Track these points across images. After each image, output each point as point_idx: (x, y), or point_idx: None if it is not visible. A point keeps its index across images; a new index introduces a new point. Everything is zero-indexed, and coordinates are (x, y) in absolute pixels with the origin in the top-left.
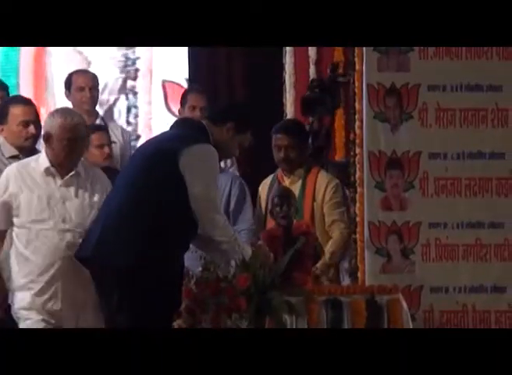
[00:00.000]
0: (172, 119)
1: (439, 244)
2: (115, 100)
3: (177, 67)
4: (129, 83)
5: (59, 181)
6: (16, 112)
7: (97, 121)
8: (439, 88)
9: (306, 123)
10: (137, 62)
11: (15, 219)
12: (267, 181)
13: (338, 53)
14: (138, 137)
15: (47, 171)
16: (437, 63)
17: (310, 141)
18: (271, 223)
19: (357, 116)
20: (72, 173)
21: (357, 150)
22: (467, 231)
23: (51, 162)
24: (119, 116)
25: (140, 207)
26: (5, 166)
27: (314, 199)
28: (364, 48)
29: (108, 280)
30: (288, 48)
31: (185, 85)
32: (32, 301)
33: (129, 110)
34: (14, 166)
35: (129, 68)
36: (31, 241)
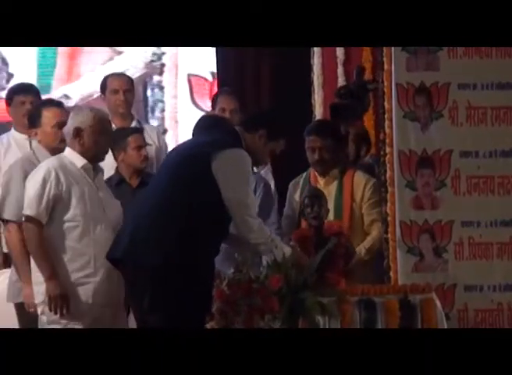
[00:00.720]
0: (198, 113)
1: (472, 243)
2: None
3: (202, 61)
4: (155, 78)
5: (92, 176)
6: (49, 115)
7: (133, 124)
8: (470, 87)
9: None
10: (163, 57)
11: (65, 213)
12: (298, 181)
13: (366, 53)
14: (165, 131)
15: (85, 167)
16: (467, 62)
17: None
18: (304, 224)
19: (386, 116)
20: (102, 170)
21: (388, 149)
22: (501, 229)
23: (85, 157)
24: (145, 111)
25: (173, 208)
26: None
27: (353, 199)
28: (392, 48)
29: (140, 281)
30: (316, 49)
31: (210, 79)
32: (94, 294)
33: (155, 104)
34: (54, 160)
35: (154, 63)
36: (85, 235)
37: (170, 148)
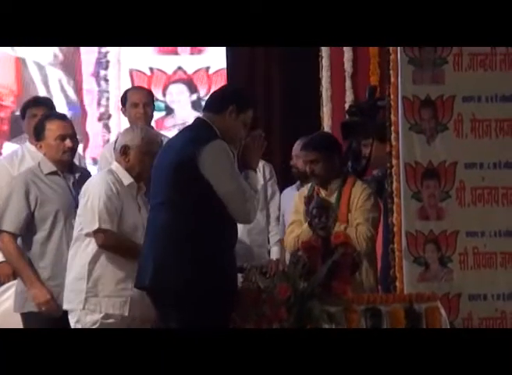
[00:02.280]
0: None
1: (476, 253)
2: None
3: (142, 58)
4: (102, 72)
5: (135, 194)
6: (52, 127)
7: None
8: (474, 99)
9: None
10: (108, 54)
11: (119, 227)
12: (304, 192)
13: (373, 67)
14: (109, 116)
15: (130, 185)
16: (471, 75)
17: (350, 163)
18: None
19: (392, 128)
20: (144, 189)
21: (394, 161)
22: (505, 240)
23: (130, 175)
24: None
25: (181, 224)
26: (45, 183)
27: (349, 210)
28: (399, 61)
29: (166, 304)
30: (324, 64)
31: (149, 73)
32: (121, 307)
33: (102, 94)
34: (110, 175)
35: (101, 60)
36: None
37: (114, 131)
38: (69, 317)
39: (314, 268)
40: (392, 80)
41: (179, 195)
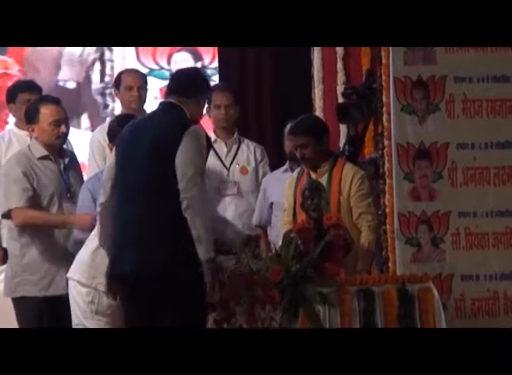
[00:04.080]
0: (143, 70)
1: (468, 233)
2: (95, 57)
3: None
4: None
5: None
6: (46, 112)
7: None
8: (466, 80)
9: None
10: None
11: None
12: (293, 178)
13: (365, 48)
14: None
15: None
16: (463, 55)
17: (347, 146)
18: (301, 217)
19: (384, 109)
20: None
21: (386, 142)
22: (497, 220)
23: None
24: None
25: (161, 210)
26: (37, 166)
27: (340, 193)
28: None
29: (145, 292)
30: None
31: None
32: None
33: (105, 64)
34: None
35: None
36: None
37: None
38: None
39: (307, 250)
40: (384, 61)
41: (158, 181)
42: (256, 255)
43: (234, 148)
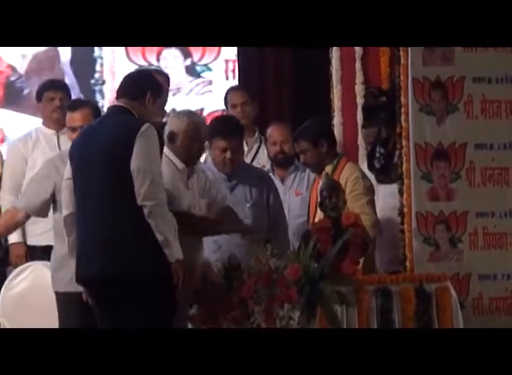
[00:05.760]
0: (132, 66)
1: (486, 233)
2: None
3: None
4: None
5: (185, 178)
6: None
7: (164, 119)
8: (484, 80)
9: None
10: None
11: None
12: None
13: (383, 48)
14: (103, 82)
15: (181, 170)
16: (481, 56)
17: (378, 149)
18: (316, 216)
19: (402, 110)
20: (195, 175)
21: (404, 142)
22: None
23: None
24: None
25: (123, 212)
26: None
27: None
28: None
29: (116, 294)
30: None
31: None
32: None
33: (95, 60)
34: (165, 158)
35: None
36: None
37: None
38: None
39: (325, 249)
40: (403, 61)
41: (115, 185)
42: (275, 254)
43: (255, 147)
